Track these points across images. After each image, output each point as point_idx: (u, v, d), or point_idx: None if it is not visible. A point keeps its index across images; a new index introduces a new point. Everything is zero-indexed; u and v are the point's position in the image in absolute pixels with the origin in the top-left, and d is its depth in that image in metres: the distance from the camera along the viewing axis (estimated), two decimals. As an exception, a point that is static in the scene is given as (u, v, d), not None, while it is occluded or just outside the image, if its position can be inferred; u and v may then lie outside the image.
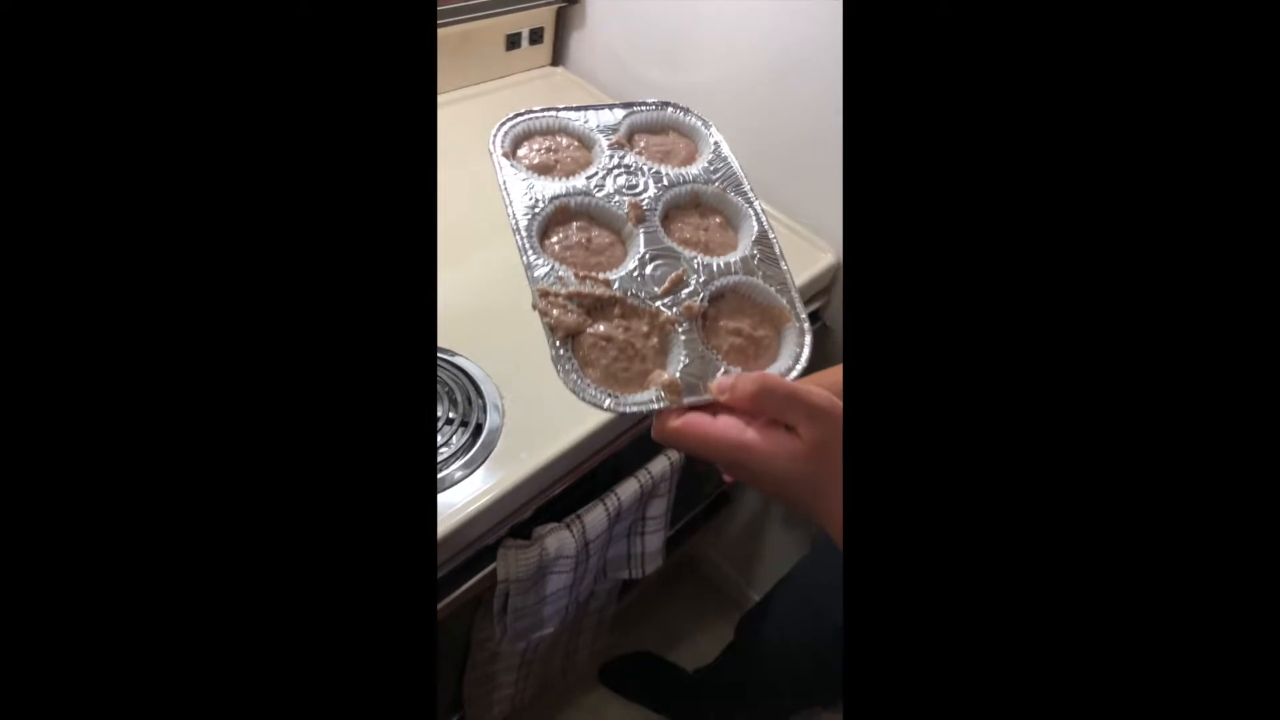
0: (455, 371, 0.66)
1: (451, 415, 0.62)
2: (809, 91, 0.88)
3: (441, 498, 0.57)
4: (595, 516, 0.73)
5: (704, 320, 0.44)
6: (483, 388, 0.65)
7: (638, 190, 0.49)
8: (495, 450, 0.61)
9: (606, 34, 1.07)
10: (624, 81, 1.07)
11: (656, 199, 0.49)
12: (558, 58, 1.14)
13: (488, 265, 0.79)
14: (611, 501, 0.75)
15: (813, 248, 0.92)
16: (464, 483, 0.59)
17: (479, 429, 0.62)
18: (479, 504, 0.58)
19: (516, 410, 0.65)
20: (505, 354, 0.69)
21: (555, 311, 0.42)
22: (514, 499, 0.62)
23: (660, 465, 0.79)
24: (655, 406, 0.40)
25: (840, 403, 0.37)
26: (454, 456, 0.60)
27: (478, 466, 0.60)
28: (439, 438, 0.60)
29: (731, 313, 0.45)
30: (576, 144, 0.51)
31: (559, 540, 0.70)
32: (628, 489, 0.76)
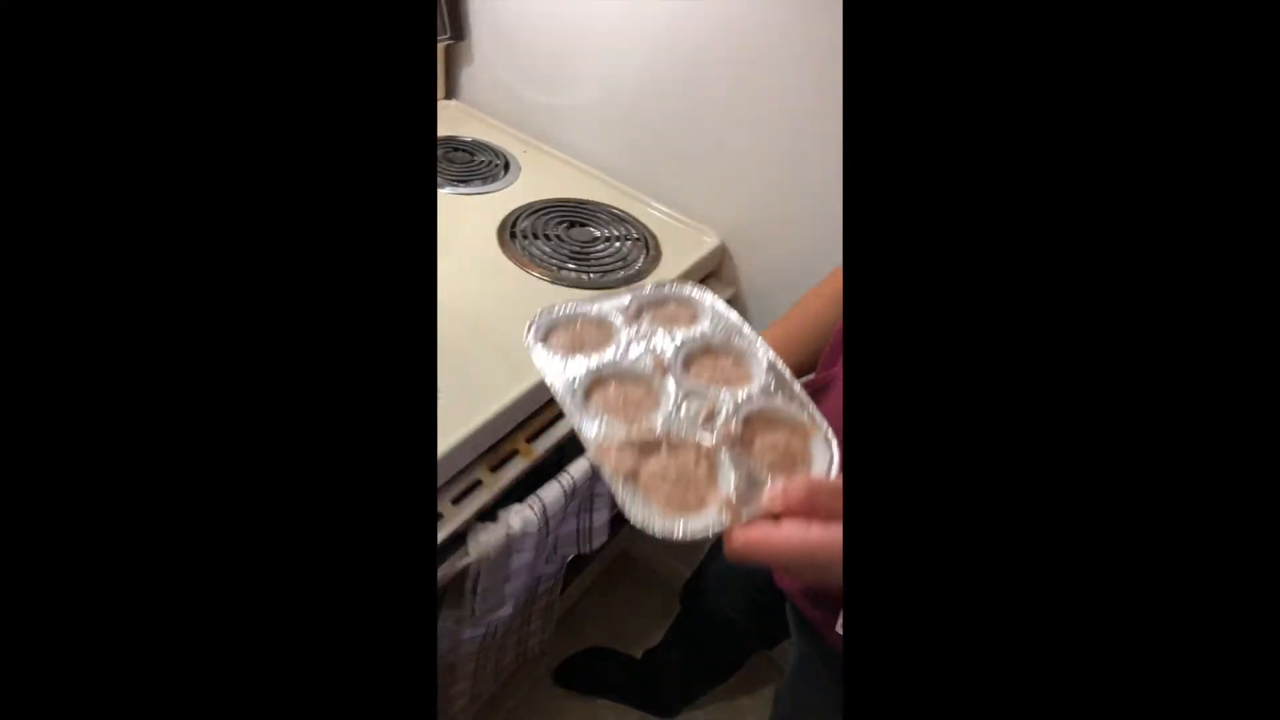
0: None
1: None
2: (683, 95, 0.98)
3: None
4: (553, 494, 0.80)
5: (741, 443, 0.50)
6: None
7: (658, 353, 0.57)
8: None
9: (493, 65, 1.16)
10: (514, 107, 1.17)
11: (675, 352, 0.56)
12: (450, 92, 1.23)
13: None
14: (566, 480, 0.81)
15: (698, 234, 1.02)
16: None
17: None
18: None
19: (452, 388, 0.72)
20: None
21: (613, 457, 0.48)
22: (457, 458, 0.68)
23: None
24: (718, 528, 0.44)
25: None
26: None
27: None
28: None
29: (764, 432, 0.52)
30: (595, 326, 0.60)
31: (523, 519, 0.76)
32: (579, 467, 0.83)
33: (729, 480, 0.47)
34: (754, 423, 0.52)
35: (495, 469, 0.76)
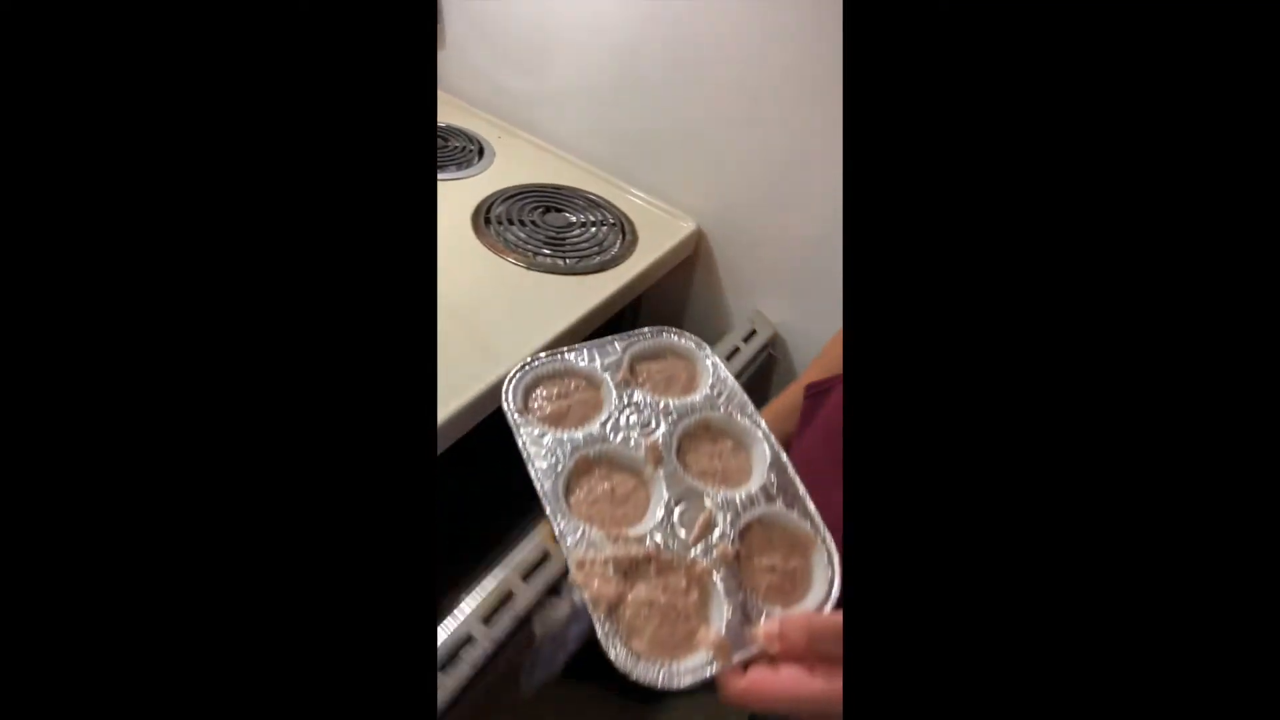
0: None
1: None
2: (661, 81, 0.97)
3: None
4: None
5: (737, 559, 0.46)
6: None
7: (650, 429, 0.52)
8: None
9: (467, 49, 1.15)
10: (488, 92, 1.16)
11: (670, 433, 0.51)
12: (424, 78, 1.22)
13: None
14: None
15: (675, 219, 1.02)
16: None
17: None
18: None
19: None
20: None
21: (596, 583, 0.43)
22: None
23: None
24: (710, 674, 0.40)
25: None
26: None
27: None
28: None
29: (761, 547, 0.47)
30: (584, 383, 0.54)
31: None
32: None
33: (722, 613, 0.43)
34: (752, 532, 0.48)
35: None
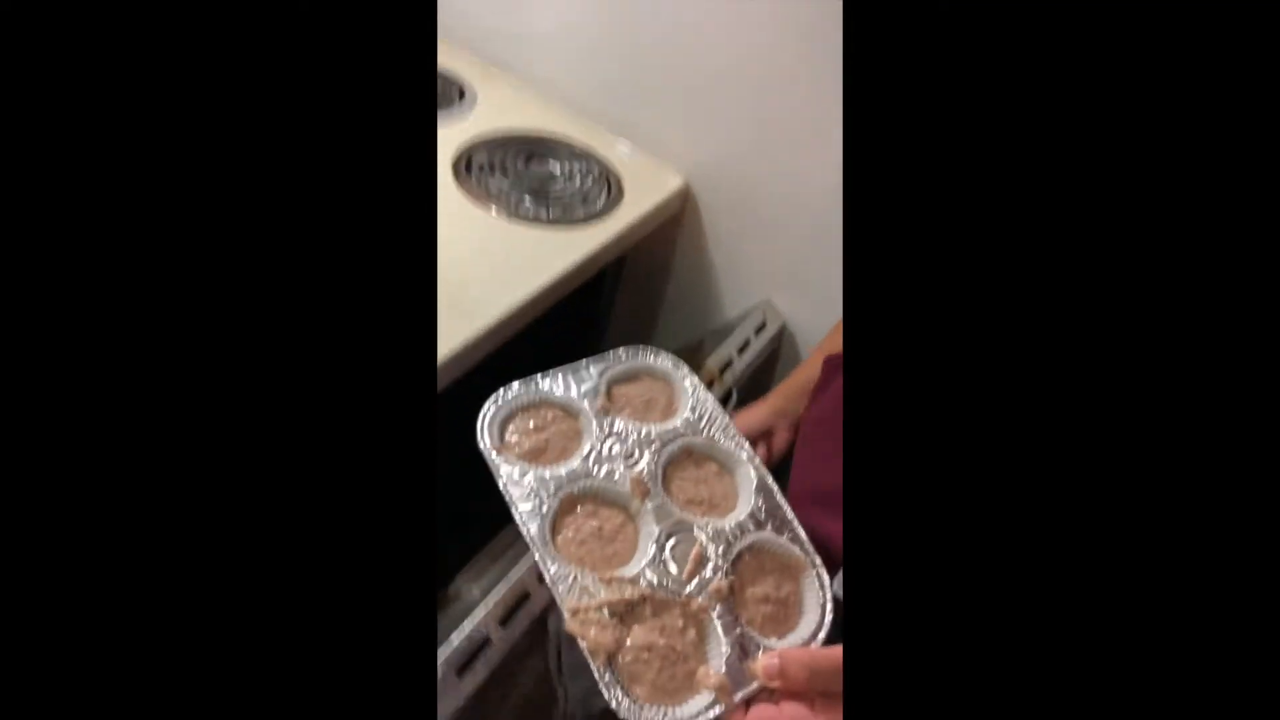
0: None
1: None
2: (654, 29, 0.93)
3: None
4: None
5: (731, 592, 0.46)
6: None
7: (633, 460, 0.51)
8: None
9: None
10: (472, 31, 1.10)
11: (654, 462, 0.50)
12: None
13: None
14: None
15: (663, 175, 0.99)
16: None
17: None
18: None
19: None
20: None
21: (593, 631, 0.43)
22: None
23: None
24: (713, 715, 0.41)
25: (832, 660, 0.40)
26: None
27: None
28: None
29: (754, 576, 0.48)
30: (561, 413, 0.52)
31: None
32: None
33: (720, 650, 0.44)
34: (744, 561, 0.48)
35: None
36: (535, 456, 0.50)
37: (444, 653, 0.59)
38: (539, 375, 0.54)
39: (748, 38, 0.85)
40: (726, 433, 0.54)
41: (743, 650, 0.44)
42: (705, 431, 0.53)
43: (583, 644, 0.42)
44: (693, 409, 0.54)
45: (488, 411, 0.51)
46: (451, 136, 0.93)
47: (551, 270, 0.78)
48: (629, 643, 0.43)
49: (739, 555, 0.48)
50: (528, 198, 0.86)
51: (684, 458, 0.53)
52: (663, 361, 0.57)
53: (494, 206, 0.84)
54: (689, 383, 0.56)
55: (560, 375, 0.54)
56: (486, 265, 0.77)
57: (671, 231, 1.04)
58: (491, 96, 1.04)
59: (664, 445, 0.52)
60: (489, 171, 0.88)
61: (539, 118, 1.02)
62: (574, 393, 0.53)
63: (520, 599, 0.67)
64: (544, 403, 0.53)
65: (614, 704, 0.41)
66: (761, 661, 0.42)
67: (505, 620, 0.65)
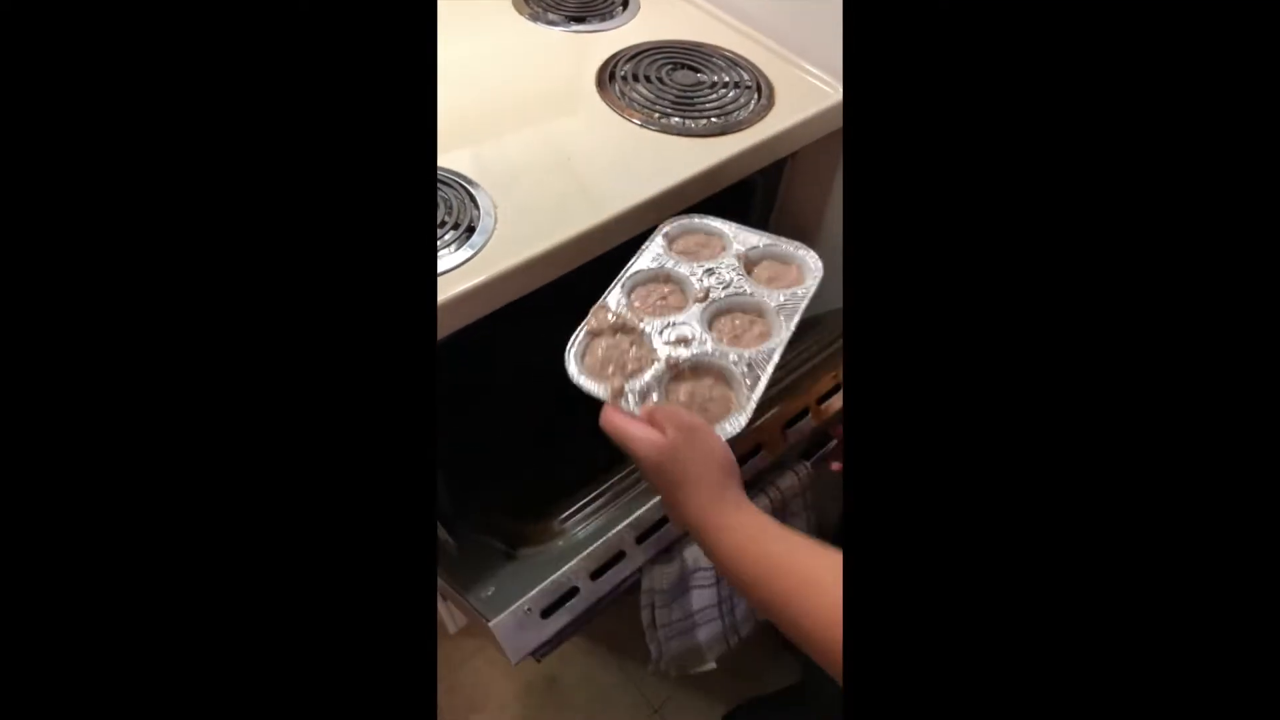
0: (452, 178, 0.72)
1: (445, 218, 0.68)
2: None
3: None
4: None
5: (675, 373, 0.60)
6: (478, 197, 0.71)
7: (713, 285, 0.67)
8: (486, 248, 0.67)
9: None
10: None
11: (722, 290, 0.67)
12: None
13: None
14: None
15: (823, 86, 0.92)
16: (453, 272, 0.65)
17: (470, 230, 0.68)
18: (468, 285, 0.65)
19: (509, 215, 0.71)
20: (504, 167, 0.75)
21: (596, 316, 0.62)
22: (504, 287, 0.68)
23: (789, 480, 0.82)
24: (600, 395, 0.57)
25: (706, 426, 0.54)
26: (444, 248, 0.66)
27: (467, 260, 0.66)
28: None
29: (703, 375, 0.61)
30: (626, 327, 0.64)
31: (695, 552, 0.75)
32: (759, 504, 0.78)
33: (642, 379, 0.59)
34: (699, 372, 0.61)
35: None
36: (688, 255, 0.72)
37: (532, 592, 0.66)
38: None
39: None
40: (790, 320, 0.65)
41: (652, 388, 0.58)
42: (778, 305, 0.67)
43: (590, 319, 0.63)
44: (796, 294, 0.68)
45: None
46: (605, 45, 0.93)
47: (679, 174, 0.77)
48: (604, 342, 0.62)
49: (708, 363, 0.61)
50: (668, 107, 0.84)
51: (746, 311, 0.67)
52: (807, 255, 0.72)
53: (634, 115, 0.83)
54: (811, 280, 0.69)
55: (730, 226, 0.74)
56: (621, 167, 0.77)
57: (833, 146, 0.97)
58: (654, 7, 1.02)
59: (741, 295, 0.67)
60: (633, 81, 0.88)
61: (698, 29, 0.98)
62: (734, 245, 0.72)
63: (615, 557, 0.71)
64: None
65: (571, 370, 0.59)
66: (648, 405, 0.56)
67: (596, 574, 0.70)
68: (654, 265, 0.68)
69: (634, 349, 0.61)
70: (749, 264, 0.70)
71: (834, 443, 0.86)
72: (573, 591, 0.68)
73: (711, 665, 0.84)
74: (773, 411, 0.78)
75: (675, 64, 0.91)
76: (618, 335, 0.62)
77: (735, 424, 0.57)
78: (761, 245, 0.72)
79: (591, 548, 0.69)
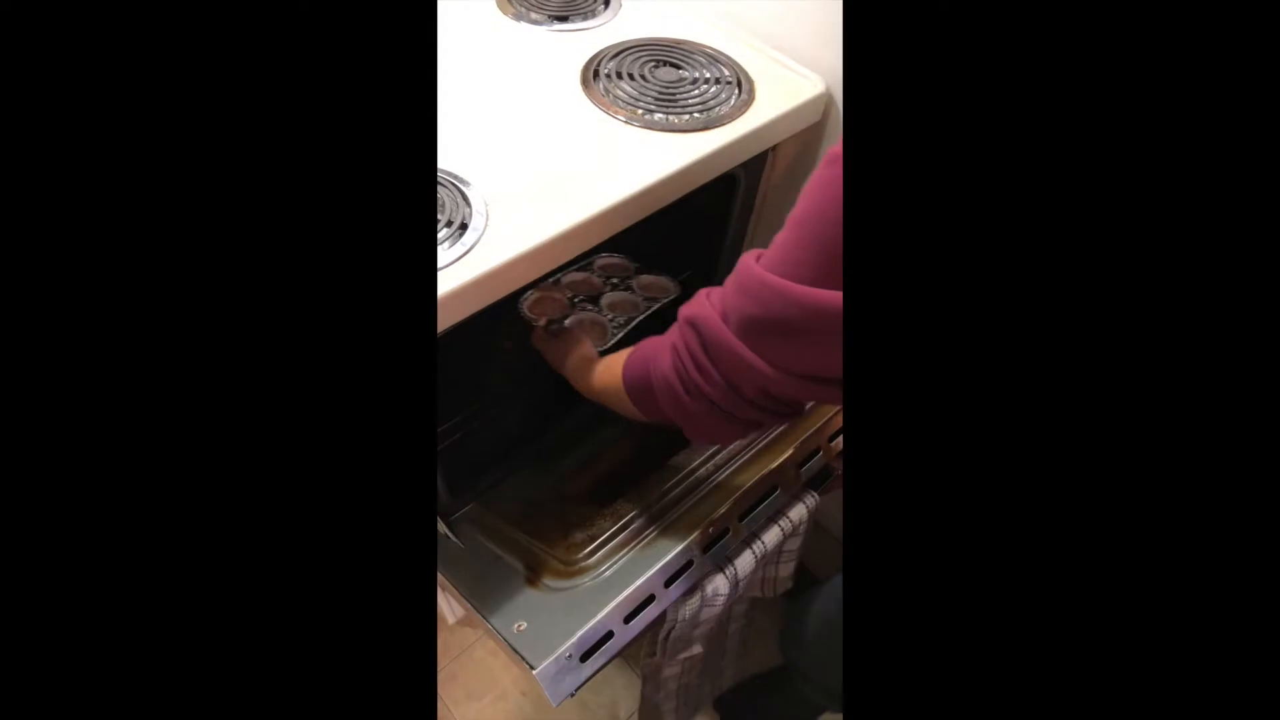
0: (445, 177, 0.74)
1: (438, 216, 0.70)
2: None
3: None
4: (745, 561, 0.84)
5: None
6: (470, 195, 0.73)
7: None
8: (478, 245, 0.70)
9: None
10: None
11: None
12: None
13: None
14: (758, 547, 0.85)
15: (802, 79, 0.94)
16: (449, 268, 0.67)
17: (464, 227, 0.70)
18: (462, 280, 0.67)
19: (500, 212, 0.73)
20: (494, 165, 0.77)
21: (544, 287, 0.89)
22: (498, 283, 0.70)
23: (799, 510, 0.89)
24: (536, 323, 0.88)
25: (579, 333, 0.85)
26: (439, 246, 0.68)
27: (461, 257, 0.68)
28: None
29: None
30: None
31: (715, 584, 0.81)
32: (771, 534, 0.86)
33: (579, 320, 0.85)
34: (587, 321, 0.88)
35: (706, 549, 0.82)
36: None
37: (573, 639, 0.71)
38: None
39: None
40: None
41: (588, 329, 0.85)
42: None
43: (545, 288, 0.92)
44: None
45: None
46: (589, 44, 0.95)
47: (663, 169, 0.79)
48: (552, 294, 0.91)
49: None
50: (652, 103, 0.87)
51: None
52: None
53: (619, 112, 0.85)
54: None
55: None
56: (607, 163, 0.79)
57: (814, 139, 1.00)
58: (635, 5, 1.04)
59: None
60: (617, 79, 0.90)
61: (679, 26, 1.01)
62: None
63: (645, 600, 0.77)
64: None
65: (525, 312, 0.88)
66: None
67: (629, 618, 0.76)
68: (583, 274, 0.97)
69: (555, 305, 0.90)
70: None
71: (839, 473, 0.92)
72: (608, 635, 0.74)
73: (699, 649, 0.94)
74: (786, 454, 0.85)
75: (658, 61, 0.94)
76: (553, 294, 0.92)
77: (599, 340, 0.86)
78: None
79: (626, 592, 0.75)
